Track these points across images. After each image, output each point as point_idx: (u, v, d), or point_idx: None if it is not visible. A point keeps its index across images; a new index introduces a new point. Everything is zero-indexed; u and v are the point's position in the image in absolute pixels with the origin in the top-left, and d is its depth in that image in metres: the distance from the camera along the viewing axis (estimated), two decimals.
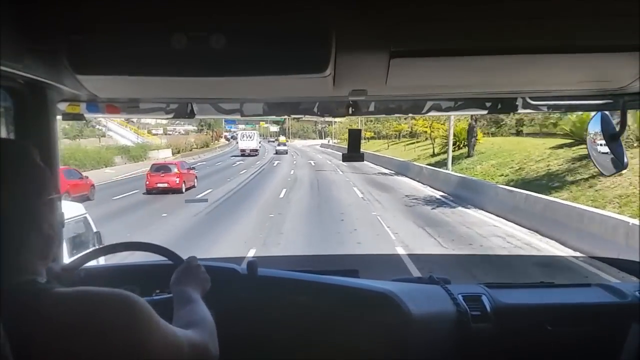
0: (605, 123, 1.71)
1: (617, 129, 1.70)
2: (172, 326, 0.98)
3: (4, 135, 1.61)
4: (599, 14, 1.10)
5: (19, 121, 1.59)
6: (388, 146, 46.23)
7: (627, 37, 1.17)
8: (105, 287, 0.90)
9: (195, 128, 73.94)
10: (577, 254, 9.71)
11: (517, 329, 1.80)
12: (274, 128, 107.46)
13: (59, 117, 1.76)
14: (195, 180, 21.38)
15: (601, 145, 1.72)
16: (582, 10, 1.09)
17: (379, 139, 54.18)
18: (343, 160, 1.99)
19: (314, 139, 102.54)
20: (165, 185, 18.78)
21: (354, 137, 1.90)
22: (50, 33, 1.14)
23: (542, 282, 2.11)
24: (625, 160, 1.69)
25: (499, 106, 1.89)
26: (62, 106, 1.77)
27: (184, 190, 19.23)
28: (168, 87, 1.52)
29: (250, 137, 52.14)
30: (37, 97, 1.58)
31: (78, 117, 1.83)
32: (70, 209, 6.24)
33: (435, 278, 1.97)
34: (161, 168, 19.93)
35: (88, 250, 1.51)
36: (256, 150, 52.56)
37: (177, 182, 19.02)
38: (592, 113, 1.84)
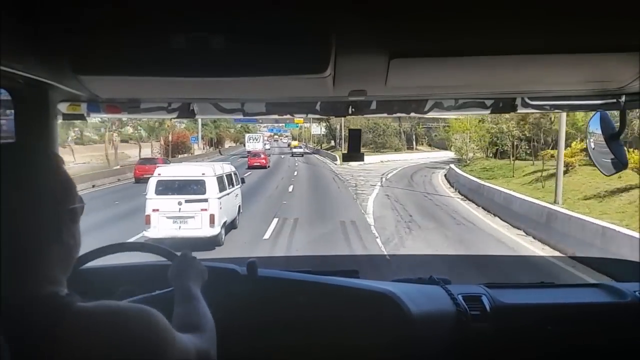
0: (605, 123, 1.71)
1: (617, 128, 1.70)
2: (183, 337, 0.98)
3: (4, 135, 1.62)
4: (599, 14, 1.10)
5: (19, 121, 1.59)
6: None
7: (627, 37, 1.17)
8: (125, 302, 0.92)
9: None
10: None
11: (517, 329, 1.80)
12: (316, 129, 68.75)
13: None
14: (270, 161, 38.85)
15: (601, 144, 1.72)
16: (582, 10, 1.09)
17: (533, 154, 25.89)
18: (343, 160, 2.02)
19: (397, 150, 50.20)
20: (259, 164, 35.50)
21: (354, 137, 1.93)
22: (51, 33, 1.14)
23: (542, 282, 2.11)
24: (626, 159, 1.69)
25: (500, 106, 1.90)
26: (63, 106, 1.77)
27: (267, 166, 35.99)
28: (169, 87, 1.52)
29: (257, 140, 57.04)
30: (37, 97, 1.58)
31: (78, 117, 1.83)
32: (229, 166, 13.72)
33: (435, 278, 1.97)
34: (255, 154, 38.09)
35: (86, 252, 1.51)
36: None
37: (264, 162, 36.42)
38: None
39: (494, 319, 1.78)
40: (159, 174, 11.72)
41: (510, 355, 1.80)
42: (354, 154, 1.91)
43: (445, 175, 27.62)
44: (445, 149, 45.68)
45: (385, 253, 10.41)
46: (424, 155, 46.53)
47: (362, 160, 1.98)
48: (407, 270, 7.53)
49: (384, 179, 27.15)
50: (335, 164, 38.29)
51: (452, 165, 28.12)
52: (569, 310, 1.85)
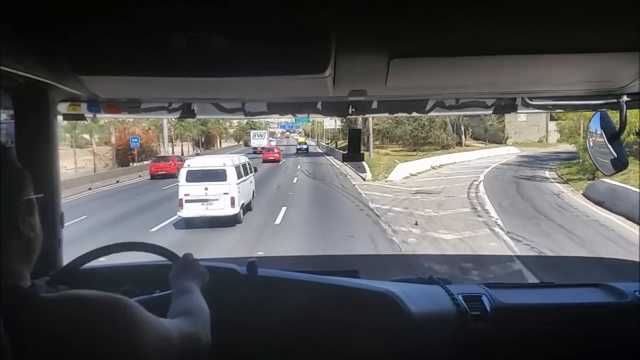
0: (605, 122, 1.71)
1: (617, 128, 1.70)
2: (162, 319, 0.97)
3: (4, 135, 1.62)
4: (599, 14, 1.10)
5: (19, 121, 1.59)
6: None
7: (627, 37, 1.17)
8: (93, 290, 0.88)
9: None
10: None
11: (517, 329, 1.80)
12: (330, 124, 53.27)
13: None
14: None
15: (600, 144, 1.72)
16: (582, 10, 1.09)
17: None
18: (343, 161, 2.04)
19: (446, 147, 35.79)
20: (273, 158, 36.75)
21: (354, 137, 1.94)
22: (51, 33, 1.14)
23: (542, 282, 2.11)
24: (626, 159, 1.68)
25: (500, 106, 1.90)
26: (63, 106, 1.77)
27: (280, 160, 37.39)
28: (169, 87, 1.52)
29: (262, 136, 57.65)
30: (37, 97, 1.58)
31: (78, 117, 1.83)
32: (245, 158, 16.42)
33: (435, 278, 1.97)
34: (270, 149, 40.18)
35: (86, 252, 1.51)
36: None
37: (278, 156, 37.87)
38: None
39: (494, 319, 1.78)
40: (189, 165, 14.23)
41: (510, 355, 1.80)
42: (354, 154, 1.94)
43: (586, 197, 15.30)
44: (500, 142, 36.79)
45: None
46: (482, 154, 32.58)
47: (362, 160, 2.01)
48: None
49: (502, 233, 11.47)
50: (363, 179, 22.18)
51: (607, 180, 14.45)
52: (569, 310, 1.85)
